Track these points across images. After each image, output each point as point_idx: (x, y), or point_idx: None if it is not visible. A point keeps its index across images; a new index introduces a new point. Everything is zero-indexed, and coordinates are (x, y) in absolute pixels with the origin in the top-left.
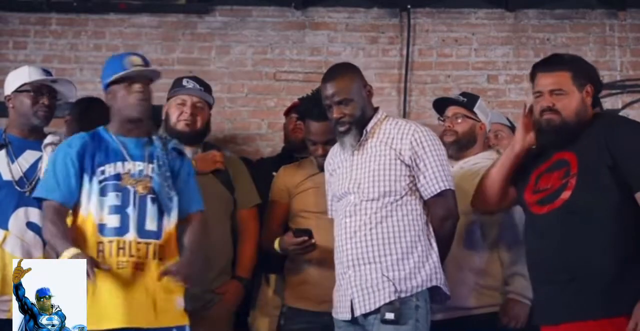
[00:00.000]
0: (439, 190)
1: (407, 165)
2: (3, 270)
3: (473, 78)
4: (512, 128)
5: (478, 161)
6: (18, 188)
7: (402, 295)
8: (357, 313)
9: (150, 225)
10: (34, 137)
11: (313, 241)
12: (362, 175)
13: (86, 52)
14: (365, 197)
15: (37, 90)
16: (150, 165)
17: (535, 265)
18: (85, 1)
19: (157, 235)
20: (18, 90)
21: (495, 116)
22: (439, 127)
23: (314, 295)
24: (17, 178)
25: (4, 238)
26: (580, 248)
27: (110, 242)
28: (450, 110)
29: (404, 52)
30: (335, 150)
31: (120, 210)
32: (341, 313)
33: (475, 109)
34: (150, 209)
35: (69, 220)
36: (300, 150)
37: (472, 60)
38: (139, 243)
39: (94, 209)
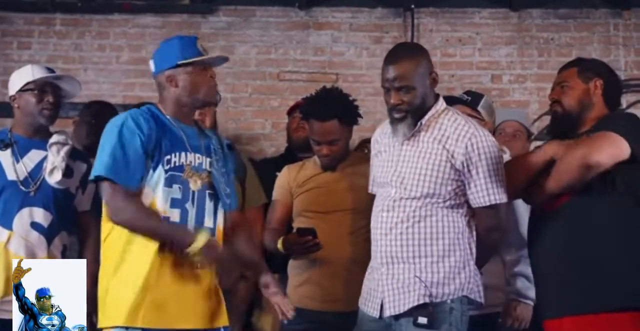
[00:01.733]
0: (488, 203)
1: (457, 170)
2: (7, 271)
3: (477, 78)
4: (527, 131)
5: None
6: (23, 188)
7: (434, 300)
8: (387, 314)
9: (208, 221)
10: (39, 137)
11: (317, 240)
12: (408, 170)
13: (90, 53)
14: (406, 194)
15: (41, 88)
16: (208, 159)
17: (541, 260)
18: (89, 1)
19: (212, 232)
20: (22, 90)
21: (516, 114)
22: None
23: (317, 295)
24: (21, 178)
25: (8, 239)
26: (586, 243)
27: None
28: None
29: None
30: (384, 130)
31: (180, 204)
32: (369, 307)
33: (480, 108)
34: (208, 205)
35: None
36: (303, 150)
37: (476, 59)
38: None
39: (159, 200)
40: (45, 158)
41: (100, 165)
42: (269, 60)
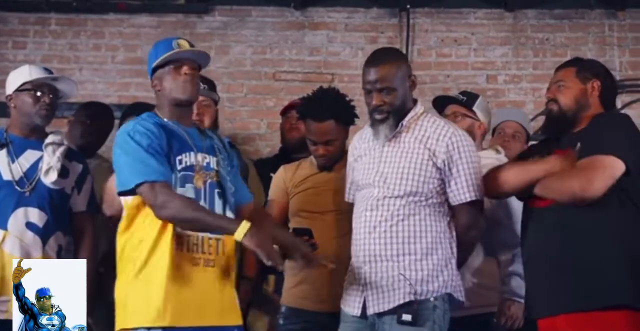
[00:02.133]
0: (468, 199)
1: (439, 168)
2: (2, 271)
3: (472, 78)
4: (526, 132)
5: None
6: (18, 188)
7: (418, 298)
8: (371, 311)
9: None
10: (35, 137)
11: (313, 241)
12: (390, 170)
13: (85, 52)
14: (389, 193)
15: (38, 88)
16: (215, 158)
17: (534, 258)
18: (84, 1)
19: None
20: (19, 89)
21: (516, 114)
22: None
23: (312, 295)
24: (17, 178)
25: (3, 239)
26: (577, 241)
27: (188, 236)
28: (450, 109)
29: (403, 52)
30: (363, 135)
31: None
32: (351, 307)
33: (475, 108)
34: (218, 204)
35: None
36: (297, 150)
37: (471, 60)
38: (210, 238)
39: None
40: (40, 158)
41: (130, 175)
42: (264, 60)
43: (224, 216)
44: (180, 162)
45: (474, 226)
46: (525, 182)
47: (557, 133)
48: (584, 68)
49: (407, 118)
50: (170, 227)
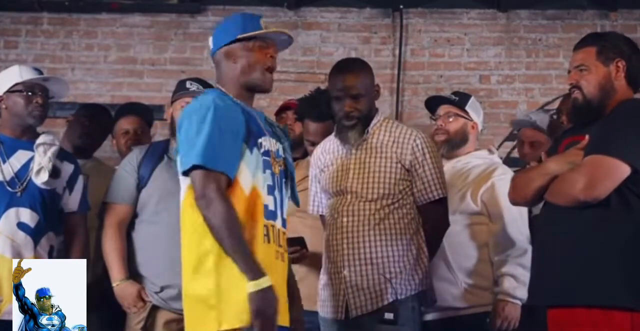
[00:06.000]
0: (436, 197)
1: (407, 170)
2: None
3: (465, 78)
4: (547, 135)
5: (469, 161)
6: (9, 189)
7: (399, 297)
8: (354, 314)
9: (286, 211)
10: (26, 137)
11: (304, 250)
12: (361, 175)
13: (78, 52)
14: (363, 197)
15: (29, 89)
16: (281, 145)
17: (548, 250)
18: (77, 1)
19: (286, 222)
20: (10, 91)
21: (531, 119)
22: (431, 126)
23: (305, 294)
24: (8, 178)
25: None
26: (591, 237)
27: (273, 226)
28: (443, 109)
29: (397, 52)
30: (327, 147)
31: (272, 191)
32: (332, 312)
33: (467, 108)
34: (285, 194)
35: None
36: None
37: (464, 60)
38: (279, 230)
39: (260, 186)
40: (32, 158)
41: (194, 154)
42: None
43: (254, 257)
44: (261, 145)
45: (441, 223)
46: (535, 190)
47: (584, 124)
48: (605, 47)
49: (372, 125)
50: (260, 213)
